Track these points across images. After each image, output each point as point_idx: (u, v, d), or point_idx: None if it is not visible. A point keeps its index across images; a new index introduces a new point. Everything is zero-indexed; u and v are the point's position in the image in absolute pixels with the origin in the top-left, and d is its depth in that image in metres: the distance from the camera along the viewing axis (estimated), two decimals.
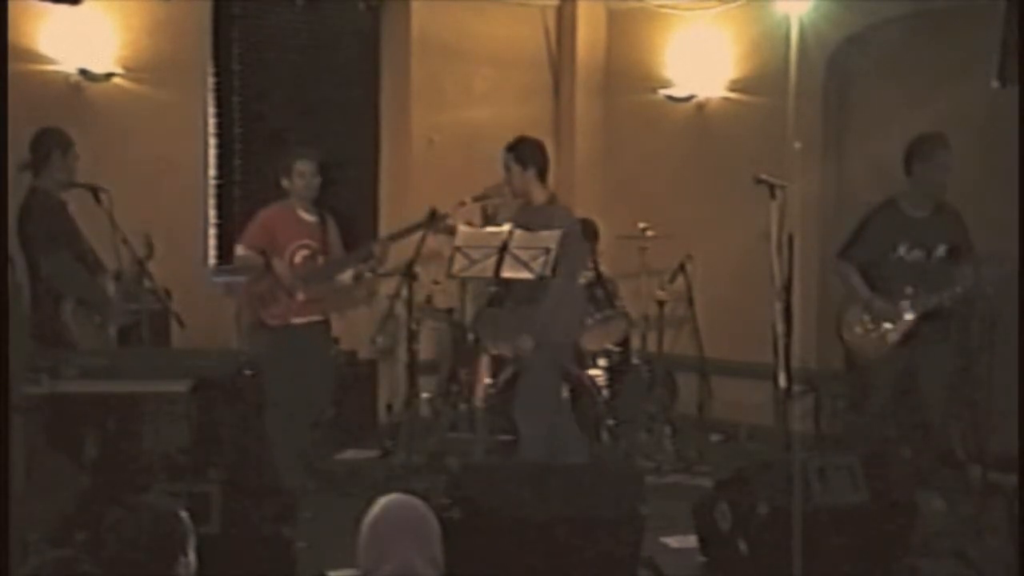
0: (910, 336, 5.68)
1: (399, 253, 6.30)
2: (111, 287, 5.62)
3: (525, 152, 5.82)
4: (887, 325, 5.71)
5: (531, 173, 5.79)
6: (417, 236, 6.29)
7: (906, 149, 5.79)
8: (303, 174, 6.04)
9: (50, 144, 5.58)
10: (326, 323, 6.28)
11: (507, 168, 5.82)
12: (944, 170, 5.72)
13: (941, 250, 5.76)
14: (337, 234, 6.30)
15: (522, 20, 8.37)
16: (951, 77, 6.54)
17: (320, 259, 6.13)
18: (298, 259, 6.06)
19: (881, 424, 5.83)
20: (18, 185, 5.50)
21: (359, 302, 7.26)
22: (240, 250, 6.16)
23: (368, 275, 6.33)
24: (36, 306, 5.43)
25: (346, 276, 6.23)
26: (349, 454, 7.10)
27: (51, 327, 5.36)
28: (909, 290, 5.67)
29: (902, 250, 5.74)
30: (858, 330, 5.78)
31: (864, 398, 5.95)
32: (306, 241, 6.09)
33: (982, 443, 5.88)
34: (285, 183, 6.07)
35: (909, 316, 5.66)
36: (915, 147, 5.76)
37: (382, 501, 2.91)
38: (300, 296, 6.02)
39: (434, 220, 6.11)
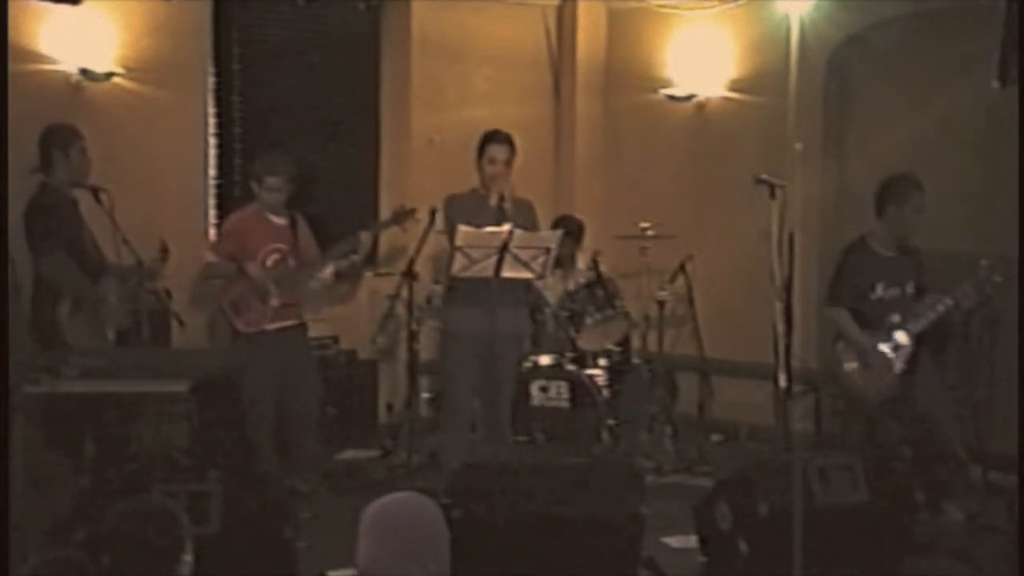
0: (911, 360, 5.57)
1: (398, 253, 6.29)
2: (114, 288, 5.61)
3: (512, 139, 5.73)
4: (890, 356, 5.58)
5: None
6: (418, 236, 6.35)
7: (878, 190, 5.68)
8: (270, 188, 5.95)
9: (49, 142, 5.58)
10: (302, 326, 6.16)
11: (494, 159, 5.62)
12: (917, 213, 5.61)
13: (910, 287, 5.69)
14: (309, 235, 6.18)
15: (522, 20, 8.36)
16: (951, 77, 6.53)
17: (291, 262, 6.01)
18: (269, 263, 5.96)
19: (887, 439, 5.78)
20: (31, 182, 5.53)
21: (337, 302, 7.15)
22: (210, 257, 6.05)
23: (345, 264, 6.13)
24: (35, 304, 5.43)
25: (326, 274, 6.11)
26: (349, 454, 7.10)
27: (47, 326, 5.36)
28: (896, 318, 5.56)
29: (879, 289, 5.64)
30: (855, 365, 5.61)
31: (872, 430, 5.84)
32: (277, 245, 5.99)
33: (982, 443, 5.88)
34: (255, 187, 6.02)
35: (906, 341, 5.55)
36: (888, 189, 5.64)
37: (382, 501, 2.90)
38: (274, 301, 5.90)
39: (405, 216, 6.14)
